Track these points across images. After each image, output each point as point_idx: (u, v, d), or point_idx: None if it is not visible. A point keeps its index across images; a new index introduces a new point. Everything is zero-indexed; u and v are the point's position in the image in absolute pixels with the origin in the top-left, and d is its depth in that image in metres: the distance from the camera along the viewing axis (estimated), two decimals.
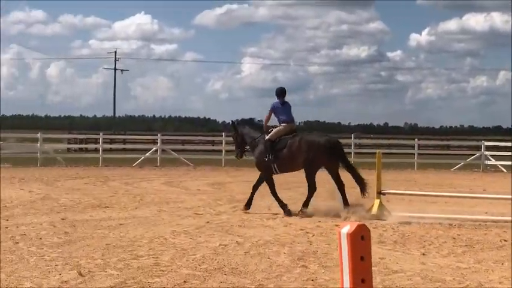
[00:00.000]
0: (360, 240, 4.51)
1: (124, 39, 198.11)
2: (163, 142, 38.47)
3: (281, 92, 16.53)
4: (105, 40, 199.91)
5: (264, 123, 16.77)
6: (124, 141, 53.39)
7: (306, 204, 15.54)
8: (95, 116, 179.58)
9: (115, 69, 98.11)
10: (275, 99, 16.51)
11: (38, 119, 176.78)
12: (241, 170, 30.07)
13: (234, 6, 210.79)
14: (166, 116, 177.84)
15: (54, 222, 13.54)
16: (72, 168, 31.73)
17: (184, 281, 8.50)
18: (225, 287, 8.35)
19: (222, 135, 38.53)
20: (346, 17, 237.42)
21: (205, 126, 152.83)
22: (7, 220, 13.68)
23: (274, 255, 10.42)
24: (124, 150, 45.29)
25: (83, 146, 50.57)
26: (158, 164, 35.36)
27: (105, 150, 39.14)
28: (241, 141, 17.09)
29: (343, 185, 15.64)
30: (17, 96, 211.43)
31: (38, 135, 36.33)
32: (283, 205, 15.66)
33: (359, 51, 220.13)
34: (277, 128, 16.28)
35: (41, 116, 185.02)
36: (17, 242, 11.04)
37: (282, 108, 16.44)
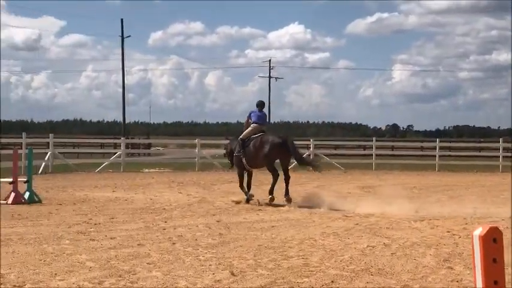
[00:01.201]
0: (492, 242, 4.61)
1: (278, 48, 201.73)
2: (316, 147, 38.76)
3: (260, 104, 19.58)
4: (261, 49, 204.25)
5: (244, 127, 19.47)
6: None
7: (271, 190, 18.33)
8: None
9: (269, 77, 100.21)
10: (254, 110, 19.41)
11: (196, 125, 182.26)
12: (391, 174, 29.99)
13: (385, 14, 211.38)
14: (320, 122, 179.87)
15: (210, 224, 14.06)
16: (228, 173, 32.49)
17: (332, 281, 8.67)
18: (371, 287, 8.54)
19: (372, 140, 38.71)
20: (495, 23, 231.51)
21: (357, 131, 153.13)
22: (165, 222, 14.32)
23: (420, 256, 10.51)
24: None
25: None
26: (310, 168, 35.57)
27: None
28: (231, 153, 19.77)
29: (289, 177, 18.65)
30: (177, 105, 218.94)
31: (196, 141, 37.53)
32: (246, 193, 18.98)
33: (508, 56, 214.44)
34: (248, 129, 19.10)
35: (199, 122, 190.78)
36: (174, 243, 11.48)
37: (256, 114, 19.28)
